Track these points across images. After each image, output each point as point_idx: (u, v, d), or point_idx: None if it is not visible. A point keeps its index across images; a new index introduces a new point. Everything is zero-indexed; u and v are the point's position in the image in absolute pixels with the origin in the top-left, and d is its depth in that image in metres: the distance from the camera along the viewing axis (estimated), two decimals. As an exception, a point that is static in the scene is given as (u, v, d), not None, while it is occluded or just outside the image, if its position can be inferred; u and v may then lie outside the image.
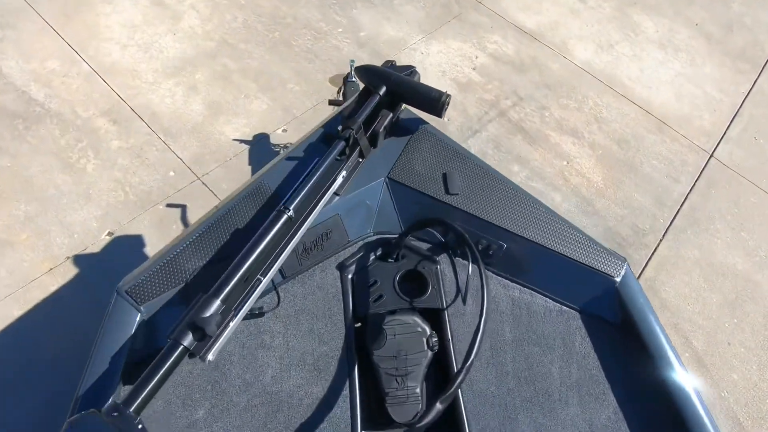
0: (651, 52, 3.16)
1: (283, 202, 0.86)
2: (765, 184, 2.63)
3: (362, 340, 0.91)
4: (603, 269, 0.97)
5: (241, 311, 0.74)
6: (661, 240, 2.34)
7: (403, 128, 1.10)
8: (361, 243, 0.99)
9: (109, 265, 1.94)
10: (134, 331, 0.80)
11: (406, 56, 2.86)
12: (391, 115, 1.03)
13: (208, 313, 0.69)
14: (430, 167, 1.04)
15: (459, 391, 0.87)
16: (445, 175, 1.03)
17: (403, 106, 1.10)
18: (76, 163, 2.22)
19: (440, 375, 0.92)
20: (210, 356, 0.69)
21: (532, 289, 0.98)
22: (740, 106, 2.97)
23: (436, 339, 0.89)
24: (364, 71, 1.06)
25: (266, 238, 0.78)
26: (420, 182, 1.01)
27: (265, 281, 0.79)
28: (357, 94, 1.11)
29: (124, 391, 0.78)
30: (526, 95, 2.80)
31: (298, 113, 2.52)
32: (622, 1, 3.43)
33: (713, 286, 2.22)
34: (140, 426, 0.63)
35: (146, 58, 2.63)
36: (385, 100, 1.03)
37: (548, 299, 0.98)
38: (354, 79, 1.92)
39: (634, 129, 2.74)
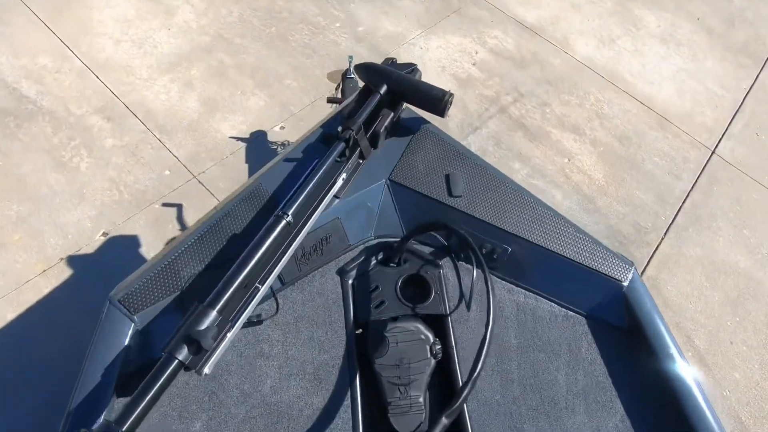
0: (653, 47, 3.13)
1: (281, 206, 0.83)
2: (767, 181, 2.61)
3: (363, 347, 0.88)
4: (610, 273, 0.94)
5: (239, 321, 0.71)
6: (662, 238, 2.32)
7: (405, 128, 1.07)
8: (361, 247, 0.97)
9: (104, 266, 1.90)
10: (128, 342, 0.77)
11: (405, 51, 2.82)
12: (392, 114, 1.00)
13: (203, 325, 0.66)
14: (433, 168, 1.01)
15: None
16: (447, 177, 1.00)
17: (404, 105, 1.07)
18: (69, 161, 2.18)
19: (444, 383, 0.89)
20: (206, 369, 0.66)
21: (537, 294, 0.96)
22: (742, 102, 2.95)
23: (439, 347, 0.87)
24: (365, 69, 1.03)
25: (264, 244, 0.76)
26: (422, 184, 0.99)
27: (264, 289, 0.76)
28: (357, 93, 1.08)
29: (117, 403, 0.76)
30: (526, 91, 2.76)
31: (295, 110, 2.48)
32: (623, -5, 3.39)
33: (715, 284, 2.21)
34: None
35: (140, 54, 2.58)
36: (386, 99, 0.99)
37: (554, 304, 0.96)
38: (353, 76, 1.89)
39: (636, 125, 2.71)
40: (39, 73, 2.43)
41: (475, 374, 0.68)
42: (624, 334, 0.92)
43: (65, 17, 2.65)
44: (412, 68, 1.06)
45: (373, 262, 0.96)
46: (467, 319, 0.92)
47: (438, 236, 0.97)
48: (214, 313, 0.68)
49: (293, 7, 2.91)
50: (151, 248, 1.96)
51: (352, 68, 1.88)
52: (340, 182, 0.91)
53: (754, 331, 2.09)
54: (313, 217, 0.84)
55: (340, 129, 0.92)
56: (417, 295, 0.93)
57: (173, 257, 0.82)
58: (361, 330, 0.92)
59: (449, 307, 0.92)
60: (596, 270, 0.94)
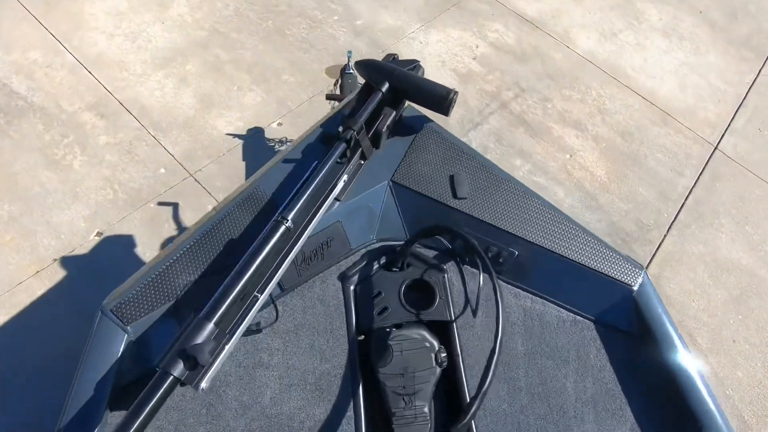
0: (655, 41, 3.09)
1: (280, 210, 0.80)
2: (770, 177, 2.59)
3: (366, 355, 0.85)
4: (619, 277, 0.92)
5: (237, 333, 0.68)
6: (665, 235, 2.30)
7: (407, 127, 1.04)
8: (363, 251, 0.94)
9: (99, 267, 1.86)
10: (121, 354, 0.73)
11: (405, 46, 2.77)
12: (394, 113, 0.97)
13: (200, 339, 0.63)
14: (437, 169, 0.98)
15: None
16: (452, 178, 0.97)
17: (406, 103, 1.03)
18: (62, 159, 2.13)
19: (450, 392, 0.87)
20: (204, 384, 0.63)
21: (545, 299, 0.94)
22: (745, 97, 2.92)
23: (445, 354, 0.84)
24: (365, 66, 0.99)
25: (263, 251, 0.72)
26: (426, 185, 0.95)
27: (263, 298, 0.73)
28: (357, 90, 1.04)
29: (111, 417, 0.73)
30: (528, 86, 2.72)
31: (293, 106, 2.44)
32: (625, -13, 3.34)
33: (718, 281, 2.19)
34: None
35: (134, 49, 2.52)
36: (388, 97, 0.96)
37: (561, 309, 0.93)
38: (352, 71, 1.84)
39: (638, 121, 2.68)
40: (30, 69, 2.38)
41: (485, 388, 0.65)
42: (634, 340, 0.90)
43: (56, 11, 2.59)
44: (414, 65, 1.03)
45: (376, 266, 0.93)
46: (473, 325, 0.90)
47: (442, 239, 0.94)
48: (210, 326, 0.64)
49: (290, 0, 2.85)
50: (146, 248, 1.92)
51: (351, 63, 1.84)
52: (341, 184, 0.88)
53: (757, 329, 2.08)
54: (313, 221, 0.81)
55: (341, 129, 0.89)
56: (421, 300, 0.90)
57: (168, 264, 0.79)
58: (363, 336, 0.89)
59: (454, 313, 0.89)
60: (605, 274, 0.91)
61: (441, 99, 0.92)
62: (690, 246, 2.29)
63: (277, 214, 0.78)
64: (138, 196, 2.06)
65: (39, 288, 1.80)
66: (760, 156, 2.67)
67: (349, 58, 1.86)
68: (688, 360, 0.87)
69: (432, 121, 1.05)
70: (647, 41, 3.08)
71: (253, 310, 0.71)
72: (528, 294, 0.93)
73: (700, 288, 2.17)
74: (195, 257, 0.81)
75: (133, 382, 0.73)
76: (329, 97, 1.62)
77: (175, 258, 0.80)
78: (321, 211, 0.82)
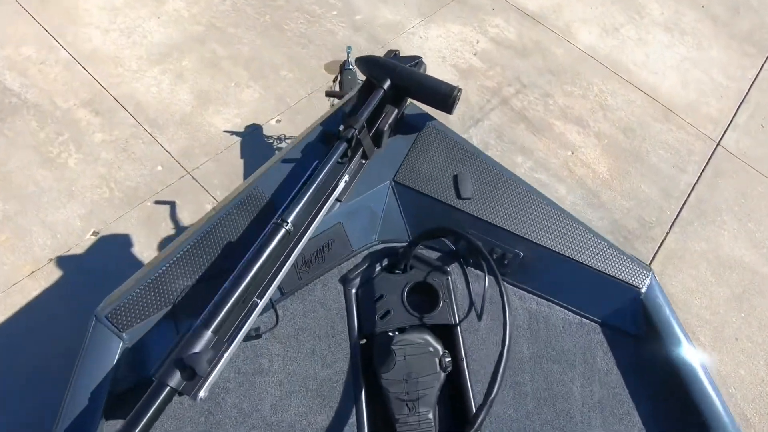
0: (657, 35, 3.06)
1: (279, 213, 0.78)
2: (772, 174, 2.58)
3: (369, 360, 0.83)
4: (627, 279, 0.90)
5: (236, 341, 0.66)
6: (667, 233, 2.28)
7: (409, 125, 1.01)
8: (365, 253, 0.91)
9: (95, 267, 1.84)
10: (116, 362, 0.71)
11: (404, 41, 2.73)
12: (396, 111, 0.94)
13: (197, 348, 0.61)
14: (440, 168, 0.95)
15: None
16: (456, 178, 0.95)
17: (408, 100, 1.01)
18: (57, 157, 2.10)
19: (454, 397, 0.85)
20: (202, 393, 0.61)
21: (550, 301, 0.92)
22: (747, 92, 2.89)
23: (449, 359, 0.82)
24: (367, 63, 0.96)
25: (262, 256, 0.70)
26: (428, 186, 0.93)
27: (262, 304, 0.71)
28: (358, 88, 1.01)
29: (106, 427, 0.71)
30: (529, 82, 2.69)
31: (291, 102, 2.40)
32: (627, -19, 3.30)
33: (720, 279, 2.18)
34: None
35: (129, 44, 2.48)
36: (390, 95, 0.93)
37: (567, 311, 0.92)
38: (351, 67, 1.81)
39: (640, 117, 2.66)
40: (23, 65, 2.34)
41: (492, 397, 0.63)
42: (641, 343, 0.88)
43: (50, 6, 2.54)
44: (416, 61, 1.00)
45: (378, 268, 0.91)
46: (477, 328, 0.88)
47: (446, 240, 0.92)
48: (208, 334, 0.62)
49: (288, -6, 2.81)
50: (143, 248, 1.89)
51: (350, 59, 1.81)
52: (342, 185, 0.86)
53: (759, 326, 2.07)
54: (314, 223, 0.79)
55: (341, 127, 0.86)
56: (424, 303, 0.88)
57: (164, 269, 0.77)
58: (365, 340, 0.87)
59: (458, 316, 0.87)
60: (612, 276, 0.90)
61: (444, 97, 0.90)
62: (692, 243, 2.27)
63: (276, 217, 0.75)
64: (134, 195, 2.03)
65: (34, 288, 1.78)
66: (763, 152, 2.66)
67: (348, 53, 1.83)
68: (696, 363, 0.85)
69: (434, 119, 1.02)
70: (649, 36, 3.05)
71: (253, 316, 0.69)
72: (533, 296, 0.92)
73: (703, 286, 2.15)
74: (192, 261, 0.79)
75: (129, 391, 0.71)
76: (329, 94, 1.59)
77: (171, 262, 0.78)
78: (322, 212, 0.80)
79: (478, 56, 2.76)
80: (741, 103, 2.84)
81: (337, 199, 0.87)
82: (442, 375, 0.81)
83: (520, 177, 0.98)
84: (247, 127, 2.30)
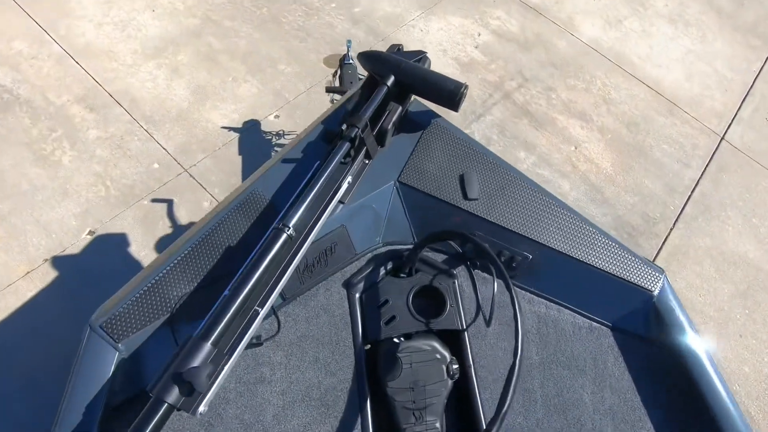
0: (660, 28, 3.01)
1: (280, 217, 0.75)
2: (777, 168, 2.55)
3: (374, 367, 0.81)
4: (638, 282, 0.88)
5: (236, 352, 0.63)
6: (671, 229, 2.26)
7: (413, 123, 0.98)
8: (369, 256, 0.89)
9: (91, 267, 1.80)
10: (112, 373, 0.68)
11: (404, 34, 2.68)
12: (400, 108, 0.91)
13: (196, 362, 0.58)
14: (445, 168, 0.92)
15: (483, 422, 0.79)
16: (462, 178, 0.92)
17: (412, 97, 0.97)
18: (51, 155, 2.05)
19: (461, 403, 0.82)
20: (202, 408, 0.58)
21: (560, 304, 0.89)
22: (752, 86, 2.86)
23: (456, 366, 0.80)
24: (369, 58, 0.93)
25: (263, 263, 0.67)
26: (434, 186, 0.90)
27: (263, 312, 0.68)
28: (360, 84, 0.98)
29: (103, 442, 0.68)
30: (531, 76, 2.65)
31: (290, 97, 2.36)
32: (630, -28, 3.24)
33: (724, 275, 2.16)
34: None
35: (123, 38, 2.43)
36: (394, 92, 0.90)
37: (577, 315, 0.89)
38: (351, 61, 1.77)
39: (644, 111, 2.62)
40: (14, 60, 2.28)
41: (504, 410, 0.61)
42: (653, 347, 0.86)
43: (41, -2, 2.48)
44: (420, 56, 0.96)
45: (382, 272, 0.88)
46: (485, 334, 0.85)
47: (452, 243, 0.89)
48: (208, 347, 0.59)
49: (285, -14, 2.75)
50: (140, 247, 1.86)
51: (350, 53, 1.77)
52: (345, 186, 0.83)
53: (764, 323, 2.06)
54: (316, 227, 0.76)
55: (344, 126, 0.83)
56: (430, 308, 0.86)
57: (161, 275, 0.74)
58: (369, 345, 0.85)
59: (466, 321, 0.85)
60: (623, 278, 0.87)
61: (451, 94, 0.87)
62: (697, 239, 2.25)
63: (277, 221, 0.73)
64: (131, 193, 2.00)
65: (29, 290, 1.75)
66: (767, 146, 2.63)
67: (348, 47, 1.78)
68: (710, 369, 0.83)
69: (439, 116, 0.99)
70: (653, 28, 3.00)
71: (254, 326, 0.66)
72: (542, 299, 0.89)
73: (707, 282, 2.14)
74: (190, 267, 0.76)
75: (126, 404, 0.69)
76: (329, 90, 1.55)
77: (168, 268, 0.75)
78: (324, 216, 0.77)
79: (480, 49, 2.71)
80: (746, 97, 2.80)
81: (340, 201, 0.84)
82: (450, 382, 0.79)
83: (525, 174, 0.94)
84: (245, 122, 2.25)
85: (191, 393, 0.57)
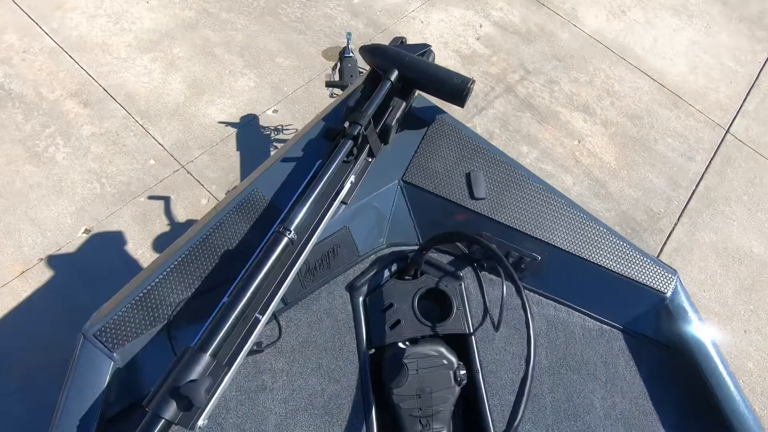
0: (665, 19, 2.96)
1: (280, 219, 0.71)
2: (782, 162, 2.52)
3: (379, 374, 0.78)
4: (651, 284, 0.85)
5: (236, 363, 0.60)
6: (676, 224, 2.24)
7: (417, 119, 0.94)
8: (373, 258, 0.86)
9: (88, 267, 1.77)
10: (107, 384, 0.66)
11: (405, 26, 2.63)
12: (404, 104, 0.88)
13: (194, 374, 0.55)
14: (451, 166, 0.89)
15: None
16: (468, 176, 0.88)
17: (416, 92, 0.94)
18: (44, 152, 2.01)
19: (468, 409, 0.80)
20: (201, 422, 0.55)
21: (569, 307, 0.87)
22: (757, 78, 2.82)
23: (464, 371, 0.77)
24: (372, 52, 0.89)
25: (263, 269, 0.64)
26: (439, 185, 0.87)
27: (264, 320, 0.65)
28: (362, 79, 0.94)
29: (98, 455, 0.65)
30: (534, 68, 2.60)
31: (289, 91, 2.31)
32: (634, -39, 3.18)
33: (729, 271, 2.14)
34: None
35: (118, 31, 2.37)
36: (397, 87, 0.86)
37: (587, 317, 0.87)
38: (351, 54, 1.73)
39: (648, 104, 2.58)
40: (6, 54, 2.23)
41: (516, 423, 0.58)
42: (666, 351, 0.84)
43: (32, -10, 2.42)
44: (425, 50, 0.92)
45: (387, 275, 0.85)
46: (493, 338, 0.83)
47: (458, 244, 0.86)
48: (206, 358, 0.57)
49: (282, -23, 2.69)
50: (137, 246, 1.83)
51: (350, 46, 1.72)
52: (347, 186, 0.79)
53: (768, 319, 2.04)
54: (318, 229, 0.72)
55: (347, 124, 0.79)
56: (436, 311, 0.83)
57: (157, 281, 0.71)
58: (374, 351, 0.82)
59: (473, 325, 0.82)
60: (635, 280, 0.84)
61: (457, 89, 0.83)
62: (701, 234, 2.23)
63: (277, 224, 0.70)
64: (127, 190, 1.96)
65: (24, 289, 1.72)
66: (773, 139, 2.60)
67: (348, 40, 1.74)
68: (724, 372, 0.81)
69: (444, 112, 0.96)
70: (657, 19, 2.95)
71: (254, 334, 0.64)
72: (551, 301, 0.87)
73: (711, 278, 2.12)
74: (187, 272, 0.73)
75: (122, 415, 0.66)
76: (329, 84, 1.51)
77: (165, 273, 0.72)
78: (326, 217, 0.74)
79: (482, 41, 2.66)
80: (751, 89, 2.76)
81: (343, 202, 0.81)
82: (457, 389, 0.76)
83: (528, 171, 0.91)
84: (243, 117, 2.21)
85: (189, 408, 0.54)
